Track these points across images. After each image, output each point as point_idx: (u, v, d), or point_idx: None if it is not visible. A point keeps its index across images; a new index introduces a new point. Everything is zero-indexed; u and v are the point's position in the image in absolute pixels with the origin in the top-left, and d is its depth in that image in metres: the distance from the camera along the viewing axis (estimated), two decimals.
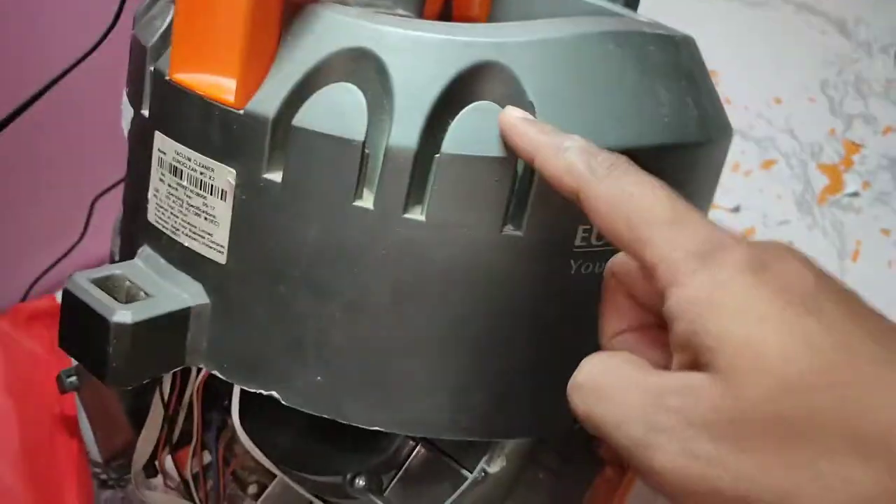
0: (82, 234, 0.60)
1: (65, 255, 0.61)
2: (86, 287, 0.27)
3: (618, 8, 0.34)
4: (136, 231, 0.31)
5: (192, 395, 0.34)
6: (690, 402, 0.17)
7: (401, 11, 0.39)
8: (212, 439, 0.36)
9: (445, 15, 0.37)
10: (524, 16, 0.35)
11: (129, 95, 0.31)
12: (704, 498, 0.17)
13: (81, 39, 0.38)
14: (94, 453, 0.44)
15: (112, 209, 0.60)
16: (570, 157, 0.22)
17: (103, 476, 0.46)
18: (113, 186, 0.59)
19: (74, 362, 0.49)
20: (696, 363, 0.18)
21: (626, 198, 0.20)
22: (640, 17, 0.34)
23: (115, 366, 0.26)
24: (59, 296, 0.61)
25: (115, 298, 0.27)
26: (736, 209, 0.54)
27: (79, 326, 0.27)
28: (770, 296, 0.17)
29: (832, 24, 0.65)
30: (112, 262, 0.35)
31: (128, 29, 0.36)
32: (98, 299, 0.27)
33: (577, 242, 0.27)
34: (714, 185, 0.33)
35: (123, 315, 0.26)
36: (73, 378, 0.41)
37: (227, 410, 0.35)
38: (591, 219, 0.21)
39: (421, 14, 0.38)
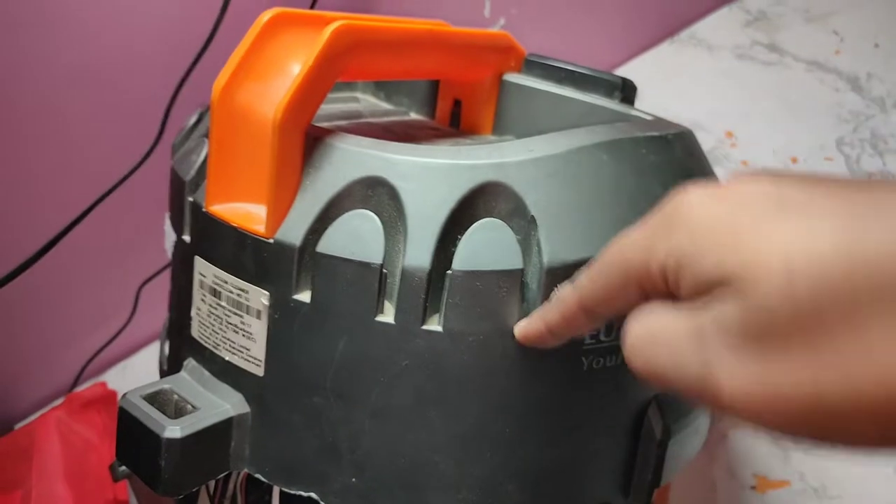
0: (129, 318, 0.64)
1: (113, 339, 0.64)
2: (138, 404, 0.30)
3: (615, 105, 0.36)
4: (181, 344, 0.33)
5: (234, 490, 0.36)
6: (721, 326, 0.18)
7: (413, 115, 0.42)
8: None
9: (455, 117, 0.39)
10: (526, 117, 0.38)
11: (171, 220, 0.34)
12: (781, 413, 0.17)
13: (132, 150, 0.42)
14: None
15: (156, 294, 0.64)
16: (557, 298, 0.25)
17: None
18: (157, 274, 0.63)
19: None
20: (712, 295, 0.19)
21: (603, 268, 0.23)
22: (636, 113, 0.36)
23: (167, 476, 0.29)
24: (109, 382, 0.64)
25: (165, 412, 0.30)
26: None
27: (133, 441, 0.30)
28: (734, 209, 0.18)
29: (845, 81, 0.66)
30: (160, 368, 0.38)
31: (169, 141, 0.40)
32: (150, 416, 0.29)
33: (587, 341, 0.29)
34: None
35: (173, 431, 0.29)
36: (125, 468, 0.44)
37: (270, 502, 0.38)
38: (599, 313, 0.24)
39: (433, 117, 0.41)
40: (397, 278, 0.27)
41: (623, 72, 0.75)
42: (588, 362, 0.29)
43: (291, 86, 0.27)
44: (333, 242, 0.28)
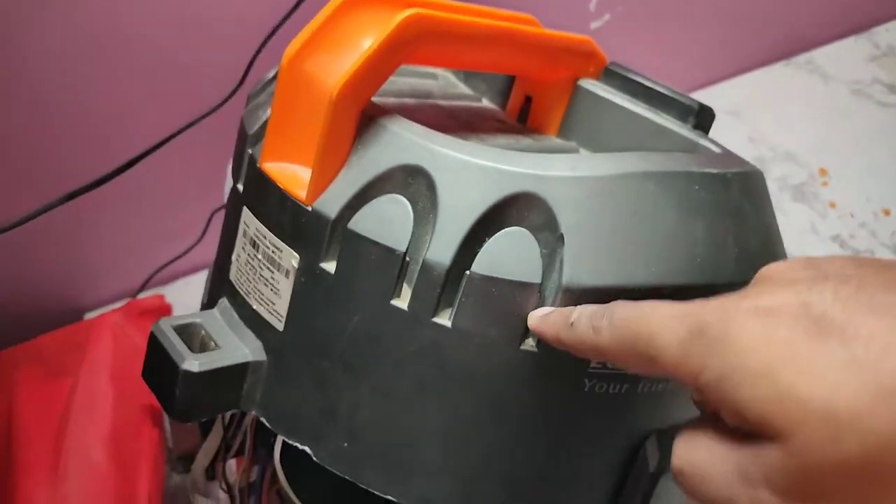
0: (198, 240, 0.67)
1: (182, 255, 0.68)
2: (167, 333, 0.32)
3: (685, 130, 0.35)
4: (220, 283, 0.35)
5: (246, 426, 0.38)
6: (766, 471, 0.18)
7: (486, 102, 0.42)
8: (261, 458, 0.41)
9: (524, 113, 0.39)
10: (593, 126, 0.37)
11: (232, 168, 0.36)
12: None
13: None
14: (172, 445, 0.50)
15: None
16: (578, 327, 0.24)
17: (176, 465, 0.51)
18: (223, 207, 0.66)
19: None
20: (754, 432, 0.18)
21: (627, 339, 0.22)
22: (705, 143, 0.35)
23: (180, 404, 0.31)
24: (171, 293, 0.68)
25: (190, 345, 0.32)
26: None
27: (156, 365, 0.32)
28: (770, 333, 0.17)
29: None
30: (202, 298, 0.40)
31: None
32: (174, 346, 0.31)
33: (593, 364, 0.29)
34: None
35: (191, 364, 0.31)
36: None
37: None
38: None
39: (504, 107, 0.41)
40: (417, 268, 0.28)
41: (726, 87, 0.72)
42: (590, 384, 0.29)
43: (354, 63, 0.28)
44: (365, 222, 0.28)
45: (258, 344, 0.32)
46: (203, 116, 0.44)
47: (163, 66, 0.59)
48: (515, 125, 0.39)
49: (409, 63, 0.30)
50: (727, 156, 0.34)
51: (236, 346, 0.32)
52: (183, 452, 0.47)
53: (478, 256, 0.28)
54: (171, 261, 0.68)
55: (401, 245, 0.28)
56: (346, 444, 0.31)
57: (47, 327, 0.68)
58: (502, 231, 0.28)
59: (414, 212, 0.28)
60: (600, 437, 0.31)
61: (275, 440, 0.37)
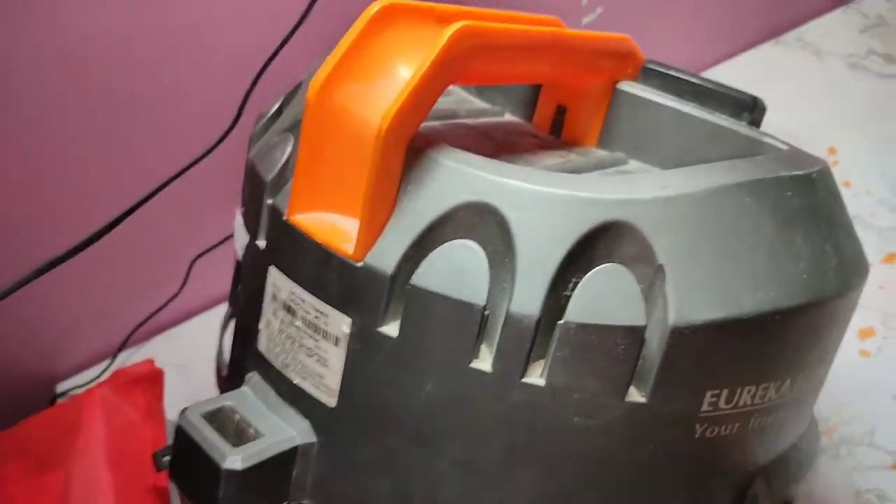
0: (180, 290, 0.62)
1: (161, 308, 0.63)
2: (198, 425, 0.27)
3: (743, 128, 0.32)
4: (245, 354, 0.31)
5: None
6: None
7: (508, 116, 0.38)
8: None
9: (557, 124, 0.36)
10: (639, 133, 0.34)
11: (244, 220, 0.31)
12: None
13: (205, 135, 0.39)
14: None
15: (209, 268, 0.62)
16: None
17: None
18: (212, 248, 0.61)
19: (168, 431, 0.51)
20: None
21: None
22: (769, 140, 0.32)
23: None
24: (154, 349, 0.63)
25: (224, 434, 0.27)
26: None
27: (190, 464, 0.27)
28: None
29: None
30: (217, 371, 0.36)
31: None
32: (210, 441, 0.27)
33: (704, 407, 0.25)
34: (847, 326, 0.30)
35: (234, 461, 0.26)
36: (168, 458, 0.42)
37: None
38: None
39: (531, 119, 0.37)
40: (500, 322, 0.24)
41: (718, 72, 0.69)
42: (702, 429, 0.26)
43: (403, 91, 0.24)
44: (432, 275, 0.24)
45: (305, 424, 0.28)
46: (187, 168, 0.39)
47: (140, 117, 0.54)
48: (552, 139, 0.35)
49: (458, 83, 0.26)
50: (796, 153, 0.31)
51: (280, 430, 0.28)
52: None
53: (570, 302, 0.24)
54: (151, 315, 0.62)
55: (479, 298, 0.24)
56: None
57: (16, 400, 0.62)
58: (593, 269, 0.24)
59: (488, 257, 0.24)
60: (709, 483, 0.27)
61: None
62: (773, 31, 0.71)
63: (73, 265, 0.52)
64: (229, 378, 0.33)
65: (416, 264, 0.25)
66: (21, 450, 0.47)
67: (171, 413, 0.51)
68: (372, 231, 0.25)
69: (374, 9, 0.26)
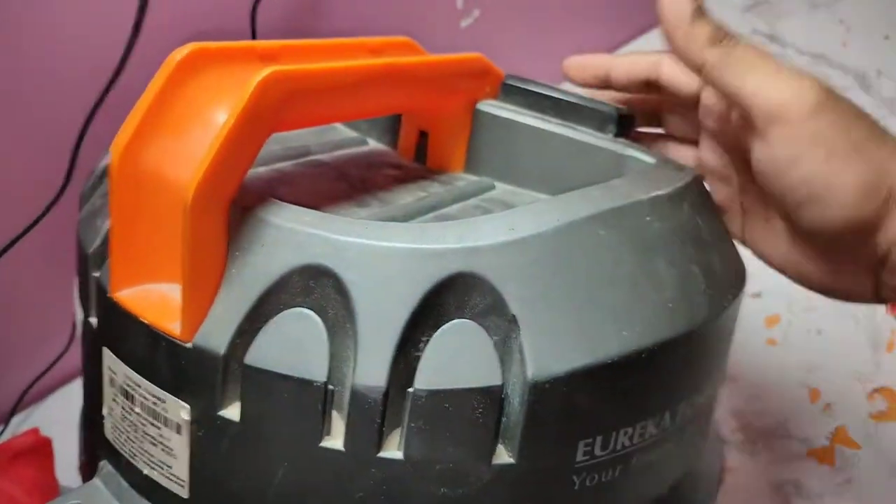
0: (66, 347, 0.58)
1: (45, 372, 0.58)
2: None
3: (608, 142, 0.31)
4: (95, 440, 0.28)
5: None
6: None
7: (372, 143, 0.36)
8: None
9: (421, 150, 0.33)
10: (504, 153, 0.32)
11: (79, 294, 0.28)
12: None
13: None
14: None
15: None
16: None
17: None
18: None
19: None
20: None
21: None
22: (634, 153, 0.30)
23: None
24: (41, 412, 0.58)
25: None
26: (758, 294, 0.50)
27: None
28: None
29: (852, 78, 0.60)
30: (79, 456, 0.33)
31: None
32: None
33: (579, 458, 0.24)
34: (731, 338, 0.29)
35: None
36: None
37: None
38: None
39: (395, 146, 0.35)
40: (346, 396, 0.22)
41: None
42: (580, 480, 0.24)
43: (210, 148, 0.21)
44: (266, 352, 0.22)
45: None
46: (25, 231, 0.35)
47: None
48: (415, 167, 0.33)
49: (281, 130, 0.24)
50: (663, 165, 0.30)
51: None
52: None
53: (419, 368, 0.22)
54: (35, 380, 0.58)
55: (318, 374, 0.22)
56: None
57: None
58: (442, 328, 0.22)
59: (326, 327, 0.22)
60: None
61: None
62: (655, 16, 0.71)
63: None
64: (85, 465, 0.30)
65: (250, 340, 0.22)
66: None
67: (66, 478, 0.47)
68: (199, 305, 0.23)
69: (177, 56, 0.23)
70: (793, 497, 0.42)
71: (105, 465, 0.27)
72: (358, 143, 0.35)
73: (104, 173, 0.30)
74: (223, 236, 0.23)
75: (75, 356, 0.58)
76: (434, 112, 0.32)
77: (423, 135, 0.33)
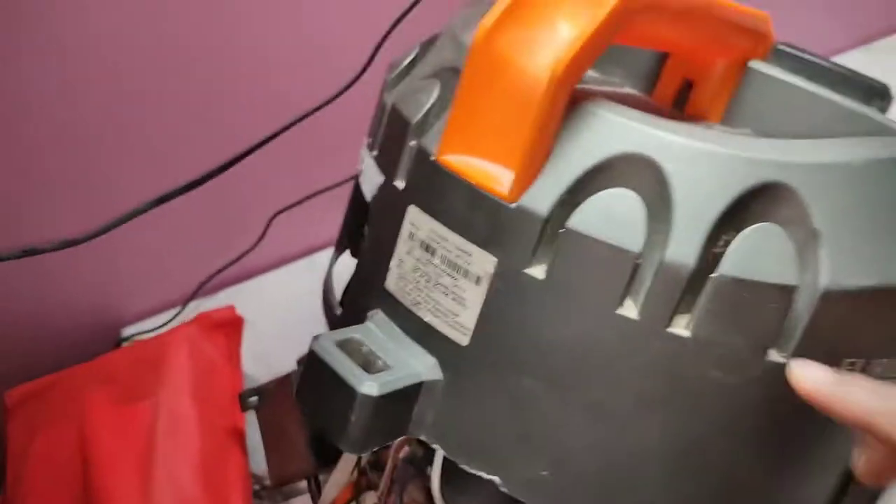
0: (255, 245, 0.63)
1: (234, 262, 0.64)
2: (333, 352, 0.28)
3: (874, 114, 0.32)
4: (367, 292, 0.31)
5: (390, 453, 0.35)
6: None
7: (628, 89, 0.38)
8: (397, 493, 0.37)
9: (681, 98, 0.36)
10: (766, 112, 0.34)
11: (378, 162, 0.32)
12: None
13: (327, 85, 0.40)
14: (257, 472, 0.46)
15: (286, 226, 0.62)
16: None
17: (274, 496, 0.47)
18: (291, 206, 0.61)
19: (246, 374, 0.52)
20: None
21: None
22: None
23: (356, 433, 0.27)
24: (224, 301, 0.64)
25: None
26: None
27: (322, 388, 0.28)
28: None
29: None
30: (326, 309, 0.36)
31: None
32: (346, 366, 0.27)
33: (844, 367, 0.26)
34: None
35: (370, 387, 0.27)
36: (255, 398, 0.43)
37: (415, 467, 0.36)
38: None
39: (650, 93, 0.38)
40: (650, 272, 0.25)
41: (844, 59, 0.69)
42: None
43: (575, 41, 0.24)
44: (588, 219, 0.25)
45: (431, 360, 0.29)
46: (311, 112, 0.39)
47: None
48: (676, 113, 0.35)
49: (620, 42, 0.27)
50: None
51: (407, 364, 0.29)
52: (284, 478, 0.42)
53: (725, 257, 0.24)
54: (224, 267, 0.63)
55: (634, 244, 0.24)
56: (545, 473, 0.27)
57: (83, 342, 0.63)
58: (750, 228, 0.24)
59: (645, 206, 0.25)
60: (832, 447, 0.28)
61: (431, 469, 0.33)
62: (863, 37, 0.71)
63: (149, 214, 0.53)
64: (346, 315, 0.34)
65: (570, 209, 0.25)
66: (105, 380, 0.48)
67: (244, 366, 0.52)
68: (527, 175, 0.26)
69: None
70: None
71: (377, 314, 0.31)
72: (617, 86, 0.38)
73: (413, 62, 0.34)
74: (559, 122, 0.26)
75: (258, 257, 0.63)
76: (707, 61, 0.34)
77: (685, 84, 0.36)
